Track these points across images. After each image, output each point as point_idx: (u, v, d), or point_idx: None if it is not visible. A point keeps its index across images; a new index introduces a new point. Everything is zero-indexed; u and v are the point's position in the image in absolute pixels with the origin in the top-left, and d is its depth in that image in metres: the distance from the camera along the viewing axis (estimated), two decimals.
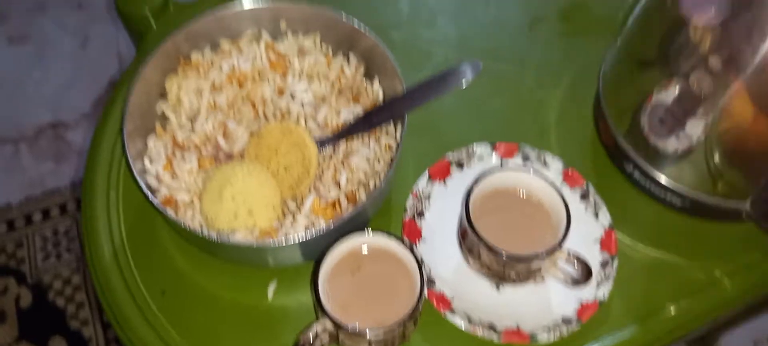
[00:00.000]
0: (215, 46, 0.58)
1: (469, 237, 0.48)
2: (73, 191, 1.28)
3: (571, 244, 0.47)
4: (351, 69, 0.58)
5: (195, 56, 0.57)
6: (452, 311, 0.49)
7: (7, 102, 1.37)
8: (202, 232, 0.48)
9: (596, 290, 0.50)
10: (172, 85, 0.56)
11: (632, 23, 0.57)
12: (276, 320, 0.52)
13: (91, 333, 1.14)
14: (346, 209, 0.51)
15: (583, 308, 0.49)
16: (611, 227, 0.53)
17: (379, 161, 0.54)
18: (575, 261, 0.47)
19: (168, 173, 0.52)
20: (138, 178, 0.49)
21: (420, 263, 0.46)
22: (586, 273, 0.47)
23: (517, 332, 0.48)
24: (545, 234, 0.48)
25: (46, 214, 1.26)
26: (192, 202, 0.52)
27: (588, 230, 0.54)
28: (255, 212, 0.49)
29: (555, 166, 0.57)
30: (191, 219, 0.51)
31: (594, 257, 0.52)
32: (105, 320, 1.15)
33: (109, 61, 1.42)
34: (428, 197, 0.55)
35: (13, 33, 1.46)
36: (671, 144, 0.53)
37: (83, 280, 1.19)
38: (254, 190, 0.49)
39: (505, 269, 0.47)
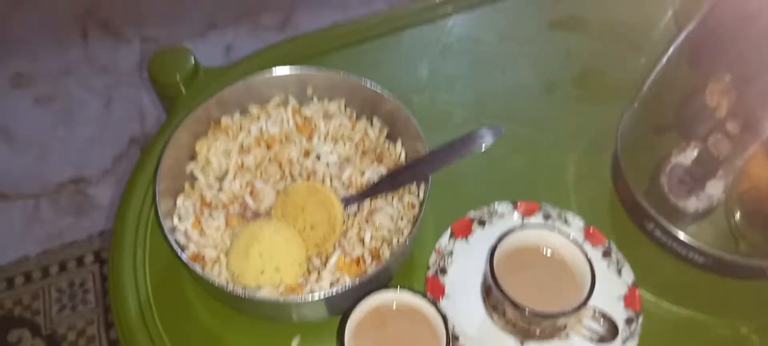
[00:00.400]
0: (244, 111, 0.60)
1: (493, 294, 0.48)
2: (90, 244, 1.29)
3: (596, 301, 0.48)
4: (374, 131, 0.60)
5: (225, 120, 0.59)
6: None
7: (32, 160, 1.40)
8: (228, 287, 0.48)
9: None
10: (201, 148, 0.58)
11: (649, 87, 0.59)
12: None
13: None
14: (371, 266, 0.52)
15: None
16: (634, 284, 0.54)
17: (402, 219, 0.55)
18: (601, 318, 0.47)
19: (196, 231, 0.54)
20: (167, 235, 0.50)
21: (445, 319, 0.46)
22: (613, 330, 0.47)
23: None
24: (569, 292, 0.49)
25: (62, 266, 1.27)
26: (219, 258, 0.53)
27: (611, 287, 0.54)
28: (281, 269, 0.50)
29: (576, 225, 0.58)
30: (218, 275, 0.52)
31: (618, 314, 0.52)
32: None
33: (132, 121, 1.46)
34: (451, 254, 0.56)
35: (40, 94, 1.51)
36: (691, 203, 0.54)
37: (98, 331, 1.19)
38: (281, 247, 0.50)
39: (531, 326, 0.47)
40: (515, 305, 0.46)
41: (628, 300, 0.53)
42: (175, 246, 0.50)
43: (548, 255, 0.51)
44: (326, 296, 0.48)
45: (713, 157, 0.51)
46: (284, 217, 0.53)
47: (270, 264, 0.50)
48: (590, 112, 0.71)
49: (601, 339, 0.48)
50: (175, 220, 0.55)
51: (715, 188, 0.52)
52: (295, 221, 0.52)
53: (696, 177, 0.53)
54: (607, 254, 0.56)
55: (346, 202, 0.54)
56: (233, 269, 0.51)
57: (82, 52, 1.57)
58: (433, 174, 0.55)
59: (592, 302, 0.47)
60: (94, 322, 1.21)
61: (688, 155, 0.53)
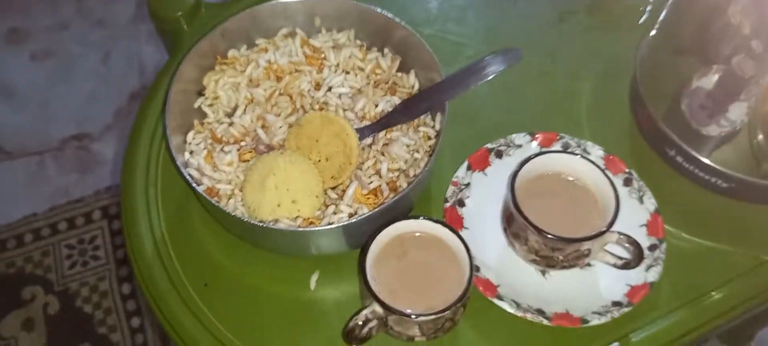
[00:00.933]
0: (251, 45, 0.59)
1: (515, 222, 0.47)
2: (97, 200, 1.29)
3: (618, 229, 0.47)
4: (386, 61, 0.58)
5: (232, 53, 0.57)
6: (499, 296, 0.49)
7: (32, 117, 1.38)
8: (247, 220, 0.47)
9: (646, 273, 0.49)
10: (209, 82, 0.57)
11: (668, 11, 0.57)
12: (319, 310, 0.52)
13: (119, 338, 1.14)
14: (388, 197, 0.51)
15: (633, 291, 0.49)
16: (657, 212, 0.53)
17: (418, 151, 0.54)
18: (626, 242, 0.46)
19: (209, 165, 0.52)
20: (181, 169, 0.49)
21: (467, 247, 0.46)
22: (638, 254, 0.46)
23: (567, 316, 0.48)
24: (593, 217, 0.48)
25: (71, 223, 1.27)
26: (234, 193, 0.52)
27: (633, 215, 0.53)
28: (298, 201, 0.49)
29: (596, 153, 0.56)
30: (233, 210, 0.51)
31: (642, 242, 0.51)
32: (132, 325, 1.15)
33: (131, 75, 1.43)
34: (468, 186, 0.55)
35: (36, 50, 1.48)
36: (714, 128, 0.53)
37: (110, 286, 1.19)
38: (297, 178, 0.49)
39: (554, 253, 0.47)
40: (538, 232, 0.46)
41: (651, 228, 0.52)
42: (191, 180, 0.49)
43: (570, 180, 0.50)
44: (345, 224, 0.47)
45: (737, 78, 0.50)
46: (298, 149, 0.52)
47: (286, 196, 0.49)
48: (604, 40, 0.69)
49: (626, 264, 0.47)
50: (187, 155, 0.53)
51: (737, 111, 0.51)
52: (309, 153, 0.51)
53: (718, 100, 0.52)
54: (628, 182, 0.55)
55: (361, 133, 0.53)
56: (249, 202, 0.50)
57: (77, 6, 1.53)
58: (449, 105, 0.53)
59: (615, 227, 0.46)
60: (106, 277, 1.21)
61: (710, 79, 0.52)
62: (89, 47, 1.47)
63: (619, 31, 0.69)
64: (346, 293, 0.52)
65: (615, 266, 0.48)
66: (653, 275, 0.49)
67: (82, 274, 1.21)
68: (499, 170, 0.55)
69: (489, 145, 0.57)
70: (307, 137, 0.52)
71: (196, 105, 0.56)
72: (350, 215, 0.50)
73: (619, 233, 0.46)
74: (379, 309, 0.44)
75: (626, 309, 0.48)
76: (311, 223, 0.50)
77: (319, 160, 0.51)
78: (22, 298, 1.18)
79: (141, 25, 1.47)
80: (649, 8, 0.70)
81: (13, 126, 1.37)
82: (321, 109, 0.55)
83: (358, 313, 0.45)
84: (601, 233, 0.45)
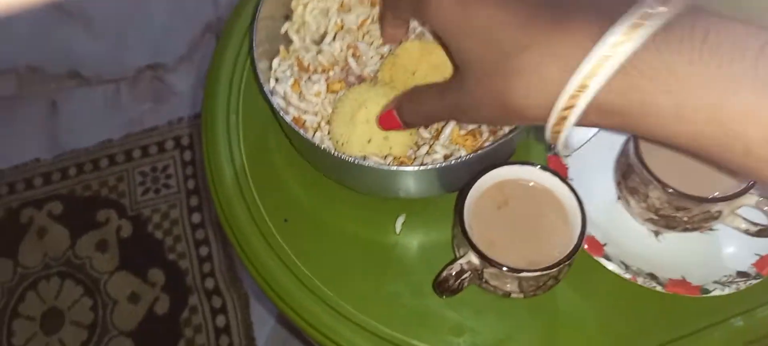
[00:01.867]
0: None
1: (635, 175, 0.42)
2: (170, 130, 1.30)
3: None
4: None
5: None
6: (606, 256, 0.44)
7: (109, 45, 1.40)
8: (336, 154, 0.44)
9: None
10: (297, 5, 0.53)
11: None
12: (404, 255, 0.49)
13: (188, 266, 1.16)
14: (488, 140, 0.46)
15: (762, 261, 0.43)
16: None
17: None
18: (767, 206, 0.40)
19: (296, 94, 0.49)
20: (268, 96, 0.46)
21: (580, 199, 0.41)
22: None
23: (684, 283, 0.43)
24: (724, 176, 0.42)
25: (145, 151, 1.29)
26: (319, 125, 0.49)
27: None
28: (390, 137, 0.45)
29: None
30: (320, 143, 0.47)
31: None
32: (201, 254, 1.17)
33: (206, 8, 1.42)
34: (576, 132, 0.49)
35: None
36: None
37: (181, 214, 1.21)
38: None
39: (678, 213, 0.41)
40: (664, 187, 0.40)
41: None
42: (278, 109, 0.45)
43: None
44: (440, 166, 0.43)
45: None
46: (392, 82, 0.48)
47: (378, 132, 0.45)
48: None
49: (763, 231, 0.41)
50: (272, 82, 0.50)
51: None
52: (405, 87, 0.47)
53: None
54: None
55: None
56: (337, 135, 0.46)
57: None
58: None
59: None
60: (177, 206, 1.23)
61: None
62: None
63: None
64: (433, 240, 0.49)
65: (747, 232, 0.42)
66: None
67: (154, 201, 1.23)
68: None
69: None
70: (403, 69, 0.47)
71: (282, 30, 0.53)
72: (446, 157, 0.46)
73: (761, 195, 0.40)
74: (475, 260, 0.40)
75: (754, 281, 0.42)
76: (402, 162, 0.46)
77: None
78: (97, 220, 1.22)
79: None
80: None
81: (90, 53, 1.39)
82: (419, 38, 0.50)
83: (451, 263, 0.41)
84: (740, 194, 0.39)
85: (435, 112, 0.38)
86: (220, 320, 1.12)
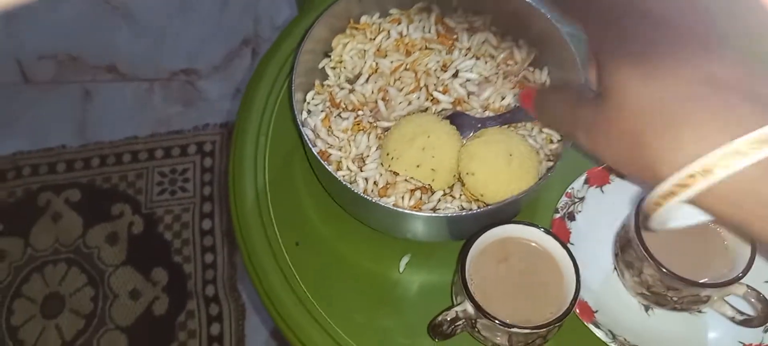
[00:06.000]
0: (384, 13, 0.57)
1: (631, 250, 0.44)
2: (195, 135, 1.34)
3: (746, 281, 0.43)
4: (522, 53, 0.55)
5: (364, 19, 0.57)
6: (596, 323, 0.46)
7: (148, 46, 1.45)
8: (356, 191, 0.47)
9: (763, 333, 0.45)
10: (337, 44, 0.56)
11: None
12: (404, 294, 0.51)
13: (191, 270, 1.19)
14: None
15: None
16: None
17: (538, 153, 0.51)
18: (754, 298, 0.42)
19: (325, 129, 0.52)
20: (300, 127, 0.49)
21: (576, 264, 0.43)
22: (766, 313, 0.42)
23: None
24: (718, 263, 0.44)
25: (167, 152, 1.33)
26: (341, 162, 0.51)
27: (759, 268, 0.48)
28: (437, 172, 0.48)
29: None
30: (343, 179, 0.50)
31: None
32: (206, 261, 1.20)
33: (246, 23, 1.47)
34: (582, 200, 0.52)
35: None
36: None
37: (192, 219, 1.24)
38: (447, 151, 0.48)
39: (668, 292, 0.43)
40: (658, 266, 0.42)
41: None
42: (307, 140, 0.49)
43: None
44: (451, 216, 0.46)
45: None
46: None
47: (429, 162, 0.48)
48: None
49: (748, 321, 0.43)
50: (305, 114, 0.53)
51: None
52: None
53: None
54: None
55: (483, 124, 0.51)
56: (390, 149, 0.49)
57: None
58: None
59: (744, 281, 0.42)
60: (190, 210, 1.26)
61: None
62: None
63: None
64: (433, 283, 0.51)
65: (732, 319, 0.44)
66: None
67: (168, 202, 1.27)
68: (619, 190, 0.52)
69: None
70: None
71: (320, 65, 0.56)
72: (460, 208, 0.48)
73: (749, 287, 0.42)
74: (470, 310, 0.42)
75: None
76: (417, 206, 0.49)
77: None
78: (112, 213, 1.25)
79: None
80: None
81: (129, 50, 1.44)
82: (445, 92, 0.53)
83: (448, 309, 0.43)
84: (729, 283, 0.41)
85: (560, 120, 0.34)
86: (215, 328, 1.14)
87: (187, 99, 1.38)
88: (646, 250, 0.43)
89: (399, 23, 0.56)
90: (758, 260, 0.49)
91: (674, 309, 0.45)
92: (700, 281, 0.42)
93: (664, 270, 0.42)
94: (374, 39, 0.55)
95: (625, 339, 0.46)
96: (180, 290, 1.18)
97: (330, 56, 0.56)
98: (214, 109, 1.36)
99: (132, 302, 1.17)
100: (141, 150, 1.33)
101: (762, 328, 0.46)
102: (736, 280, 0.41)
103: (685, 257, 0.44)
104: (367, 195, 0.47)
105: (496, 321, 0.41)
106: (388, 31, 0.55)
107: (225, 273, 1.19)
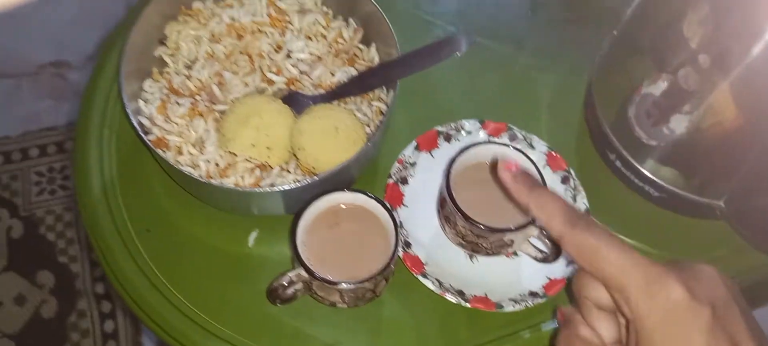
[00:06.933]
0: None
1: (447, 206, 0.49)
2: (70, 130, 1.29)
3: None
4: (349, 32, 0.59)
5: (196, 5, 0.58)
6: (424, 274, 0.51)
7: (11, 38, 1.37)
8: (193, 176, 0.49)
9: (565, 269, 0.52)
10: (172, 31, 0.57)
11: (631, 13, 0.58)
12: (254, 267, 0.54)
13: (79, 269, 1.16)
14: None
15: (551, 283, 0.51)
16: (587, 211, 0.55)
17: (369, 125, 0.55)
18: (546, 238, 0.48)
19: (161, 116, 0.53)
20: (131, 117, 0.50)
21: (396, 224, 0.48)
22: (556, 250, 0.48)
23: (485, 299, 0.50)
24: (518, 213, 0.50)
25: (42, 150, 1.27)
26: (181, 147, 0.53)
27: None
28: (272, 150, 0.51)
29: (540, 148, 0.58)
30: (178, 163, 0.52)
31: None
32: (93, 258, 1.17)
33: (117, 8, 1.41)
34: (413, 165, 0.57)
35: None
36: (654, 136, 0.55)
37: (75, 217, 1.21)
38: (280, 128, 0.51)
39: (479, 239, 0.49)
40: (465, 218, 0.47)
41: None
42: (139, 129, 0.50)
43: None
44: (285, 189, 0.49)
45: (681, 90, 0.51)
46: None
47: (264, 140, 0.51)
48: (574, 35, 0.70)
49: (545, 258, 0.49)
50: (141, 103, 0.54)
51: (678, 123, 0.52)
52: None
53: (663, 109, 0.53)
54: (565, 180, 0.57)
55: (314, 100, 0.54)
56: (226, 131, 0.51)
57: None
58: (407, 87, 0.54)
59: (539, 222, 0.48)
60: (72, 208, 1.22)
61: (659, 86, 0.53)
62: None
63: (590, 29, 0.70)
64: (282, 255, 0.54)
65: (535, 258, 0.50)
66: (572, 271, 0.52)
67: (48, 202, 1.22)
68: (446, 154, 0.57)
69: (439, 128, 0.59)
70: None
71: (156, 53, 0.57)
72: (295, 181, 0.52)
73: (541, 229, 0.48)
74: (304, 273, 0.46)
75: (540, 300, 0.50)
76: (256, 183, 0.52)
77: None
78: None
79: None
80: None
81: None
82: (278, 72, 0.55)
83: (282, 274, 0.46)
84: (522, 227, 0.47)
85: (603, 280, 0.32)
86: (109, 325, 1.13)
87: (58, 92, 1.32)
88: (455, 205, 0.48)
89: (231, 7, 0.58)
90: None
91: (488, 254, 0.51)
92: (498, 227, 0.47)
93: (470, 220, 0.47)
94: (207, 24, 0.57)
95: (451, 285, 0.51)
96: (68, 290, 1.15)
97: (165, 44, 0.57)
98: None
99: (18, 309, 1.13)
100: (14, 150, 1.27)
101: (565, 263, 0.52)
102: (529, 224, 0.47)
103: (493, 209, 0.49)
104: (208, 178, 0.49)
105: (325, 280, 0.45)
106: (220, 16, 0.57)
107: None
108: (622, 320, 0.33)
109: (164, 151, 0.52)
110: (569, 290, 0.48)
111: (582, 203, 0.55)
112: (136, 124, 0.50)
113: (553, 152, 0.58)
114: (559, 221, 0.32)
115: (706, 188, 0.54)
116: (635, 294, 0.30)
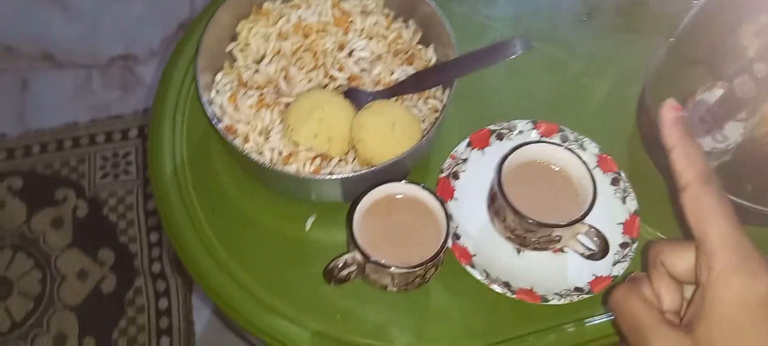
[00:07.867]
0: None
1: (497, 200, 0.51)
2: (134, 119, 1.36)
3: (595, 222, 0.50)
4: (408, 33, 0.61)
5: (267, 5, 0.62)
6: (472, 265, 0.53)
7: (84, 31, 1.46)
8: (259, 161, 0.52)
9: (612, 267, 0.53)
10: (242, 29, 0.61)
11: (687, 22, 0.59)
12: (310, 250, 0.57)
13: (137, 249, 1.23)
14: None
15: (596, 280, 0.52)
16: (636, 213, 0.56)
17: (424, 121, 0.58)
18: (595, 235, 0.50)
19: (231, 106, 0.57)
20: (205, 105, 0.54)
21: (448, 216, 0.50)
22: (604, 248, 0.50)
23: (530, 292, 0.52)
24: (571, 208, 0.51)
25: (108, 136, 1.35)
26: (249, 135, 0.57)
27: (614, 213, 0.56)
28: (333, 141, 0.54)
29: (591, 150, 0.59)
30: (245, 149, 0.56)
31: (615, 238, 0.54)
32: (151, 240, 1.24)
33: (182, 6, 1.49)
34: (465, 162, 0.59)
35: None
36: (708, 143, 0.55)
37: (136, 200, 1.28)
38: (341, 121, 0.54)
39: (527, 234, 0.51)
40: (515, 212, 0.49)
41: (627, 227, 0.56)
42: (211, 116, 0.54)
43: (556, 170, 0.53)
44: (343, 177, 0.52)
45: (738, 98, 0.52)
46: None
47: (325, 132, 0.54)
48: (627, 42, 0.71)
49: (592, 255, 0.51)
50: (213, 93, 0.59)
51: (733, 130, 0.53)
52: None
53: (717, 116, 0.54)
54: (615, 181, 0.58)
55: (373, 97, 0.57)
56: (290, 122, 0.55)
57: None
58: (462, 86, 0.56)
59: (589, 220, 0.50)
60: (134, 192, 1.29)
61: (714, 94, 0.54)
62: None
63: (645, 35, 0.71)
64: (337, 239, 0.57)
65: (582, 255, 0.52)
66: (618, 270, 0.53)
67: (112, 185, 1.30)
68: (497, 152, 0.58)
69: (492, 127, 0.61)
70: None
71: (227, 49, 0.61)
72: (352, 171, 0.55)
73: (590, 226, 0.50)
74: (359, 256, 0.49)
75: (586, 296, 0.52)
76: (316, 171, 0.55)
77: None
78: (55, 198, 1.28)
79: None
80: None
81: (65, 37, 1.45)
82: (341, 69, 0.59)
83: (339, 256, 0.49)
84: (571, 223, 0.49)
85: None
86: (163, 303, 1.19)
87: (126, 84, 1.40)
88: (506, 199, 0.50)
89: (299, 8, 0.61)
90: (615, 206, 0.57)
91: (536, 249, 0.53)
92: (546, 222, 0.49)
93: (520, 215, 0.49)
94: (276, 23, 0.61)
95: (498, 277, 0.53)
96: (127, 268, 1.22)
97: (237, 40, 0.61)
98: (153, 94, 1.38)
99: (80, 283, 1.21)
100: (82, 136, 1.35)
101: (612, 261, 0.53)
102: (578, 220, 0.49)
103: (542, 205, 0.51)
104: (272, 164, 0.53)
105: (379, 264, 0.48)
106: (288, 16, 0.61)
107: (170, 250, 1.23)
108: (687, 294, 0.34)
109: (233, 138, 0.56)
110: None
111: (631, 204, 0.56)
112: (209, 112, 0.54)
113: (604, 155, 0.59)
114: (695, 172, 0.32)
115: (759, 195, 0.54)
116: (725, 264, 0.30)
